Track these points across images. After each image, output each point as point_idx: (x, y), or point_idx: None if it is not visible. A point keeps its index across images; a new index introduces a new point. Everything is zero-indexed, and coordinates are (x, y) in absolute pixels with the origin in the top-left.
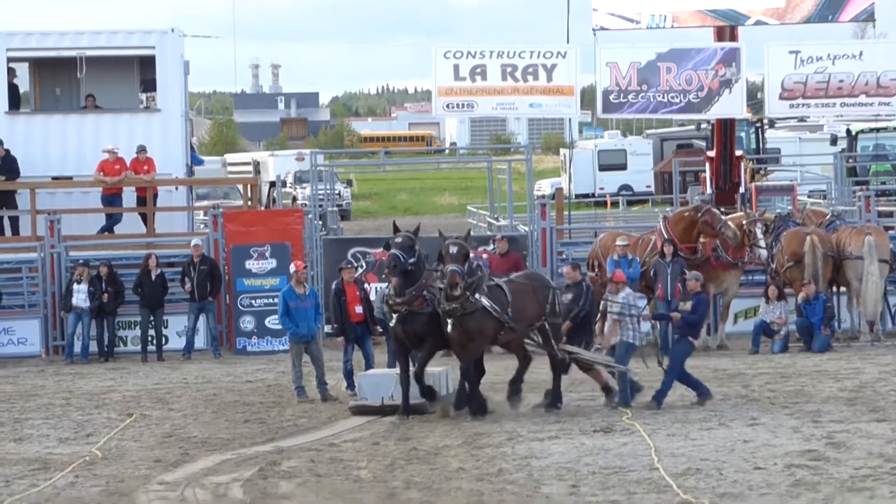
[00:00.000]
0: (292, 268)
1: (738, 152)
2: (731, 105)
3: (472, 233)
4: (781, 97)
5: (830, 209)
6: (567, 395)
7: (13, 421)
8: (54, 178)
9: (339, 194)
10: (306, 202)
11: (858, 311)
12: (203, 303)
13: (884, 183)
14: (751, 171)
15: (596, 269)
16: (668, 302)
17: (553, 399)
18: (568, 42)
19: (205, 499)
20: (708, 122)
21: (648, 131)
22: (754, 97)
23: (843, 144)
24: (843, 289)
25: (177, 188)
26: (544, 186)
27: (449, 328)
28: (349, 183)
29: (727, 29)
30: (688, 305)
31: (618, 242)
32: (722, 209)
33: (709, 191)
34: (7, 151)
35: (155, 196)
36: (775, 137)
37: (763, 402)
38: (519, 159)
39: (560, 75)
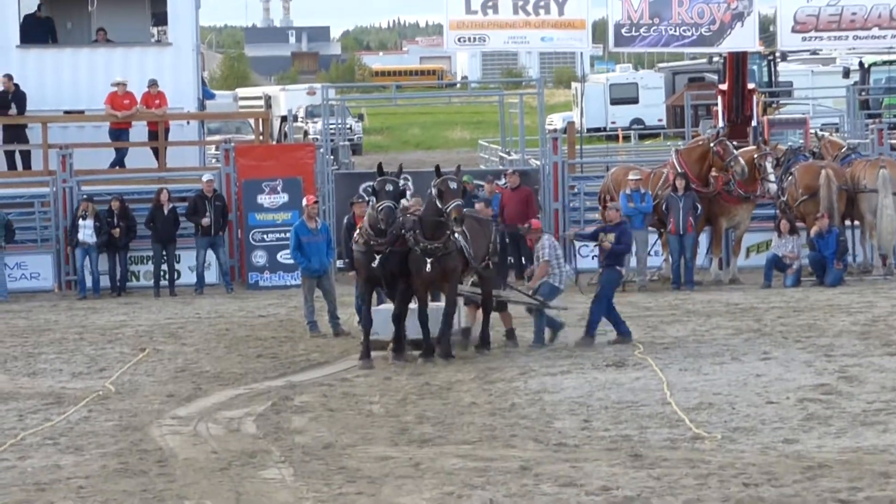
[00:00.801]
0: (304, 202)
1: (751, 86)
2: (744, 38)
3: (482, 166)
4: (794, 30)
5: (846, 142)
6: (578, 331)
7: (27, 355)
8: (66, 112)
9: (350, 129)
10: (318, 136)
11: (872, 244)
12: (214, 238)
13: None
14: (763, 105)
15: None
16: (681, 236)
17: (483, 341)
18: None
19: (217, 433)
20: (720, 55)
21: (660, 65)
22: (766, 30)
23: (855, 77)
24: (856, 223)
25: (188, 122)
26: (556, 120)
27: (427, 267)
28: (360, 117)
29: None
30: (611, 236)
31: (630, 177)
32: (735, 143)
33: (721, 124)
34: (17, 86)
35: (166, 130)
36: (787, 70)
37: (775, 337)
38: (531, 93)
39: (571, 9)
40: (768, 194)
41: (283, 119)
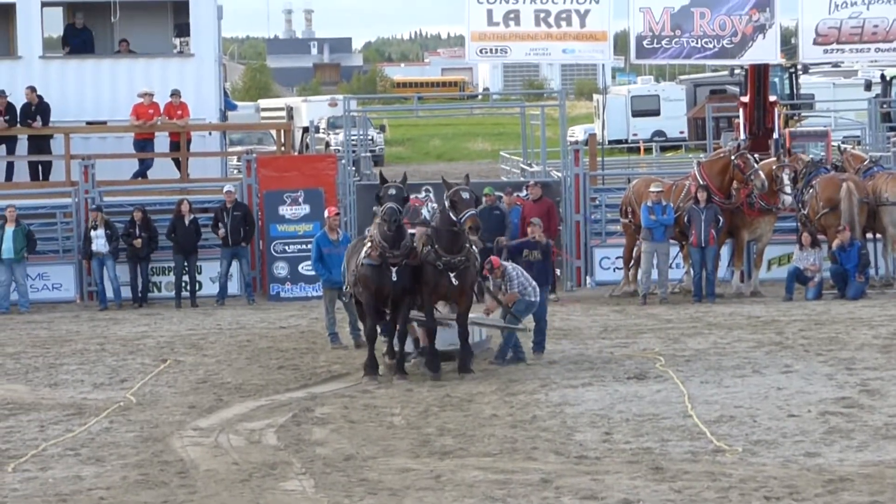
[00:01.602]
0: (325, 214)
1: (772, 98)
2: (765, 50)
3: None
4: (815, 42)
5: (868, 155)
6: (599, 343)
7: (48, 366)
8: (88, 123)
9: (371, 140)
10: (339, 148)
11: (894, 257)
12: (236, 248)
13: None
14: (784, 117)
15: (629, 216)
16: (703, 249)
17: (463, 363)
18: None
19: (238, 445)
20: (741, 67)
21: (682, 77)
22: (788, 42)
23: (877, 90)
24: (878, 235)
25: (210, 133)
26: (577, 132)
27: (454, 281)
28: (382, 128)
29: None
30: (536, 254)
31: (651, 189)
32: (757, 155)
33: (742, 136)
34: (40, 98)
35: (188, 141)
36: (809, 83)
37: (797, 350)
38: (552, 105)
39: (593, 21)
40: (784, 206)
41: (305, 130)
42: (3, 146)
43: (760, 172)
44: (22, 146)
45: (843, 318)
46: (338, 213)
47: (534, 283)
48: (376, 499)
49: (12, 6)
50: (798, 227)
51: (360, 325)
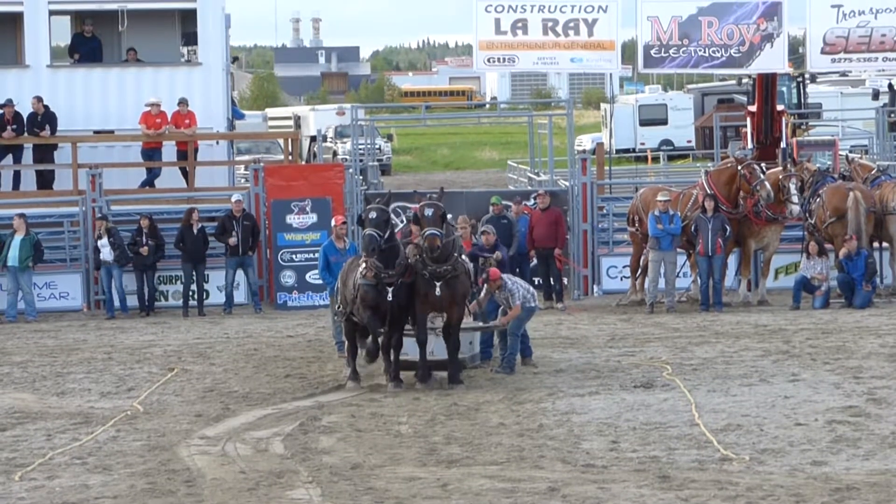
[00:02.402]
0: (333, 222)
1: (780, 107)
2: (773, 59)
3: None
4: (823, 51)
5: (876, 164)
6: (607, 351)
7: (55, 375)
8: (96, 132)
9: (379, 149)
10: (347, 157)
11: None
12: (242, 258)
13: None
14: (792, 126)
15: (637, 225)
16: (710, 258)
17: (453, 376)
18: None
19: (245, 453)
20: (749, 76)
21: (689, 86)
22: (796, 51)
23: (885, 99)
24: (885, 244)
25: (217, 142)
26: (585, 141)
27: (437, 291)
28: (390, 137)
29: None
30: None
31: (659, 198)
32: (764, 164)
33: (750, 145)
34: (46, 108)
35: (196, 150)
36: (817, 92)
37: (804, 358)
38: (560, 114)
39: (601, 30)
40: (791, 216)
41: (313, 139)
42: (10, 155)
43: (766, 183)
44: (28, 156)
45: (850, 327)
46: (345, 222)
47: (532, 289)
48: None
49: (20, 15)
50: (805, 236)
51: (345, 340)
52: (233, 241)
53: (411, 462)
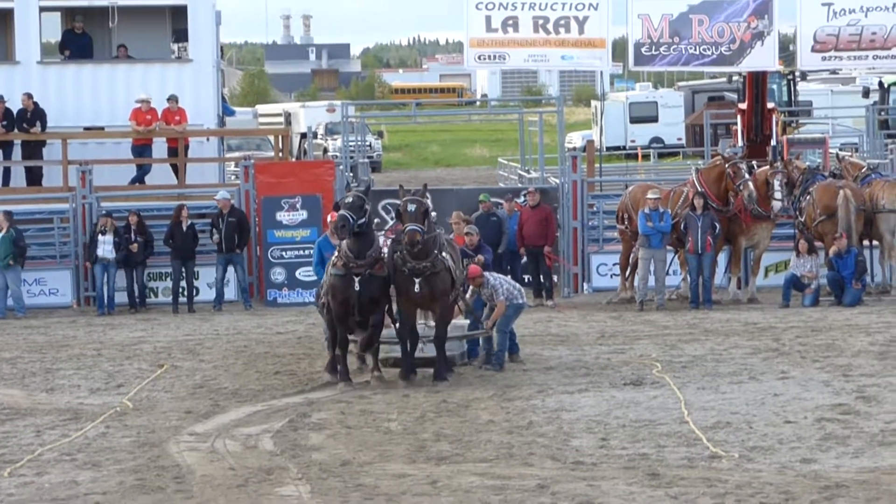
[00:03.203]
0: (329, 218)
1: (770, 105)
2: (763, 57)
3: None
4: (814, 49)
5: (866, 162)
6: (596, 349)
7: (45, 371)
8: (86, 129)
9: (369, 146)
10: (337, 154)
11: (890, 264)
12: (230, 255)
13: None
14: (782, 124)
15: (626, 222)
16: (699, 255)
17: (439, 373)
18: None
19: (235, 450)
20: (740, 74)
21: (680, 84)
22: (786, 49)
23: (875, 97)
24: (874, 243)
25: (208, 139)
26: (575, 139)
27: (416, 287)
28: (380, 134)
29: None
30: (480, 258)
31: (649, 196)
32: (755, 162)
33: (740, 143)
34: (36, 104)
35: (186, 147)
36: (807, 90)
37: (793, 356)
38: (550, 111)
39: (592, 27)
40: (772, 212)
41: (303, 136)
42: (0, 152)
43: (749, 183)
44: (17, 152)
45: (840, 325)
46: None
47: (517, 284)
48: None
49: (10, 11)
50: (795, 234)
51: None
52: (215, 238)
53: (401, 459)
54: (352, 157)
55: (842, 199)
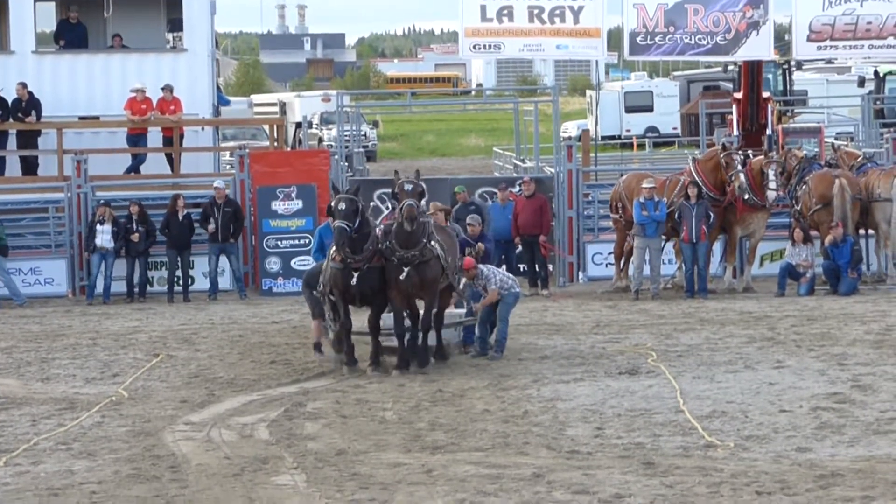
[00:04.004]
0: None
1: (766, 94)
2: (759, 47)
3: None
4: (809, 39)
5: (862, 151)
6: (592, 338)
7: (40, 361)
8: (81, 119)
9: (365, 135)
10: (332, 143)
11: (886, 253)
12: (224, 244)
13: None
14: (778, 114)
15: (620, 211)
16: (694, 244)
17: (440, 353)
18: None
19: (230, 439)
20: (735, 63)
21: (675, 73)
22: (782, 39)
23: (870, 86)
24: (870, 232)
25: (203, 128)
26: (571, 128)
27: (403, 276)
28: (375, 124)
29: None
30: (480, 246)
31: (644, 185)
32: (751, 151)
33: (736, 133)
34: (30, 94)
35: (181, 136)
36: (802, 79)
37: (789, 345)
38: (545, 101)
39: (587, 17)
40: (768, 201)
41: (298, 126)
42: None
43: (741, 174)
44: (12, 142)
45: (836, 314)
46: None
47: (510, 275)
48: (368, 493)
49: (5, 1)
50: (791, 223)
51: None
52: (211, 227)
53: (396, 448)
54: (347, 147)
55: (837, 188)
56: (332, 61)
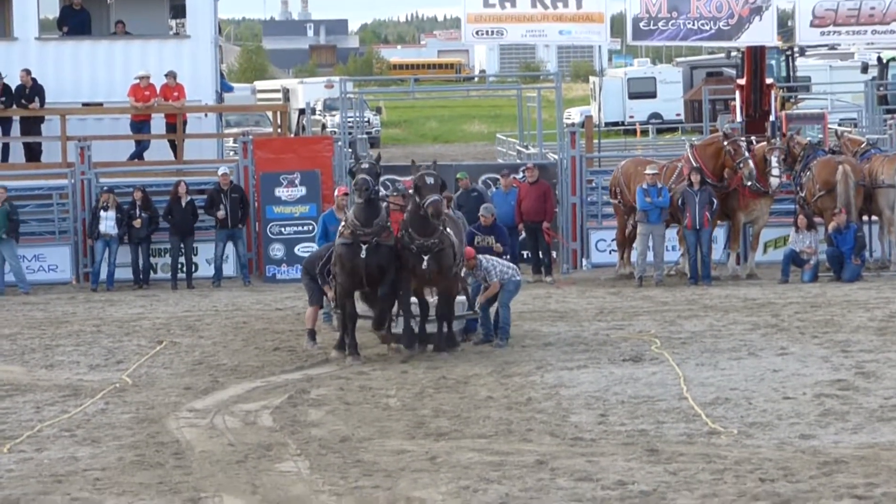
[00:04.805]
0: (336, 193)
1: (769, 80)
2: (762, 32)
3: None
4: (812, 24)
5: (865, 138)
6: (595, 325)
7: (44, 347)
8: (84, 105)
9: (368, 122)
10: (336, 130)
11: (890, 240)
12: (232, 230)
13: None
14: (781, 100)
15: (618, 196)
16: (697, 231)
17: (450, 341)
18: None
19: (234, 426)
20: (738, 49)
21: (678, 59)
22: (785, 25)
23: (873, 72)
24: (874, 218)
25: (206, 115)
26: (574, 114)
27: (424, 265)
28: (378, 110)
29: None
30: (490, 240)
31: (647, 171)
32: (754, 137)
33: (739, 119)
34: (34, 80)
35: (185, 123)
36: (806, 65)
37: (792, 332)
38: (548, 87)
39: (590, 2)
40: (771, 188)
41: (301, 112)
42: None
43: (750, 161)
44: (16, 128)
45: (839, 301)
46: (346, 194)
47: (510, 264)
48: (371, 480)
49: None
50: (795, 210)
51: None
52: (221, 213)
53: (400, 435)
54: (350, 133)
55: (841, 174)
56: (335, 47)
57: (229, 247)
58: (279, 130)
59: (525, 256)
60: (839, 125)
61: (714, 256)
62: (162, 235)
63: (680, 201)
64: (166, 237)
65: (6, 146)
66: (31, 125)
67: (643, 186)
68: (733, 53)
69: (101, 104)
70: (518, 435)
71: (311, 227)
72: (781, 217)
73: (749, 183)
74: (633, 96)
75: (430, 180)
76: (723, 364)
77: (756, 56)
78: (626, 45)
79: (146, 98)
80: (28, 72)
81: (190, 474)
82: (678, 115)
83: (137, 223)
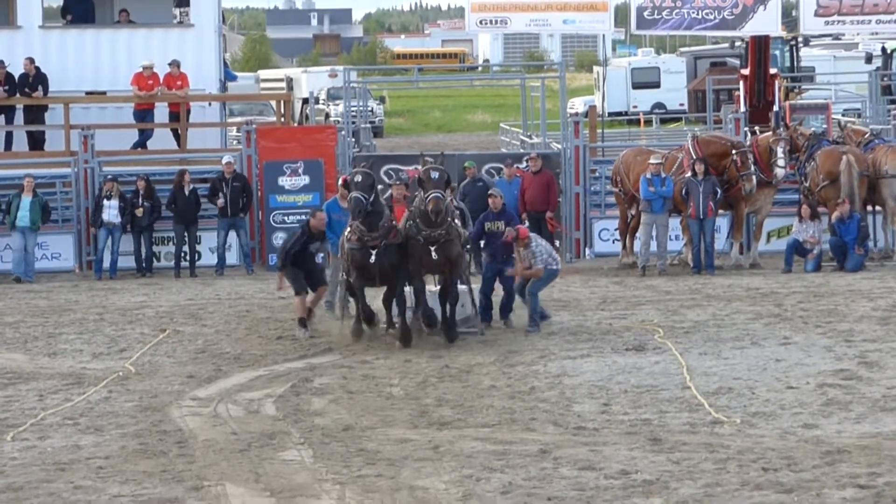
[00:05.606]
0: (339, 181)
1: (773, 70)
2: (766, 22)
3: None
4: (816, 14)
5: (869, 128)
6: (598, 314)
7: (47, 336)
8: (88, 94)
9: (371, 111)
10: (339, 119)
11: (893, 230)
12: (234, 219)
13: None
14: (785, 90)
15: (619, 185)
16: (701, 221)
17: (450, 331)
18: None
19: (237, 415)
20: (742, 39)
21: (682, 49)
22: (789, 14)
23: (878, 63)
24: (877, 208)
25: (210, 104)
26: (577, 104)
27: (433, 255)
28: (382, 100)
29: None
30: (500, 224)
31: (651, 161)
32: (757, 128)
33: (742, 109)
34: (37, 69)
35: (188, 112)
36: (810, 56)
37: (796, 322)
38: (552, 77)
39: None
40: (775, 179)
41: (305, 101)
42: (2, 116)
43: (753, 178)
44: (19, 116)
45: (842, 291)
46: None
47: (553, 253)
48: (374, 469)
49: None
50: (799, 200)
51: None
52: (221, 202)
53: (403, 424)
54: (354, 123)
55: (845, 164)
56: (339, 37)
57: (232, 235)
58: (283, 120)
59: None
60: (843, 115)
61: (717, 246)
62: (165, 224)
63: (684, 191)
64: (170, 226)
65: (10, 134)
66: (35, 114)
67: (647, 176)
68: (737, 43)
69: (104, 93)
70: (521, 424)
71: None
72: (785, 207)
73: (744, 195)
74: (636, 86)
75: (434, 175)
76: (726, 353)
77: (760, 46)
78: (630, 35)
79: (150, 87)
80: (32, 60)
81: (193, 463)
82: (682, 104)
83: (139, 212)
